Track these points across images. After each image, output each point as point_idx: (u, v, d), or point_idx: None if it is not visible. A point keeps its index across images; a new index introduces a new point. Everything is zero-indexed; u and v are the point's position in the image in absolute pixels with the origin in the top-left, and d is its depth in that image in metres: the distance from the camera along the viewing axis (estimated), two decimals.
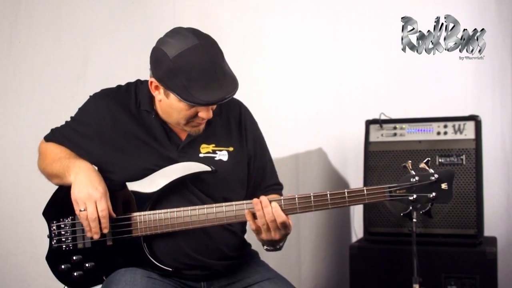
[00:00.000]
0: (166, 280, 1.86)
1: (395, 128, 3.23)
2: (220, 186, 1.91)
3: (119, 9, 2.75)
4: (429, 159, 1.77)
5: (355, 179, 3.76)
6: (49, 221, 1.93)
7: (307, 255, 3.59)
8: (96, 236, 1.82)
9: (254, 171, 2.03)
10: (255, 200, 1.77)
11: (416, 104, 3.76)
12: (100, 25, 2.66)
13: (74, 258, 1.89)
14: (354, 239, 3.81)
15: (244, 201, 1.82)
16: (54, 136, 2.02)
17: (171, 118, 1.88)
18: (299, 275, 3.53)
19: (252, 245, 2.11)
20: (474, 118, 3.11)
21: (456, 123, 3.12)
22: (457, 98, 3.80)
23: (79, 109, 2.01)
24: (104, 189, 1.83)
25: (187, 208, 1.83)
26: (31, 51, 2.46)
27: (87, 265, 1.88)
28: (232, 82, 1.79)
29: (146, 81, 1.95)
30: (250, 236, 2.08)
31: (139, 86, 1.99)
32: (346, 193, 1.76)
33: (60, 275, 1.90)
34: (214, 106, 1.87)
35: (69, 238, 1.90)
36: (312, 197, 1.77)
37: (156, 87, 1.84)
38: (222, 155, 1.93)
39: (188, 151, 1.91)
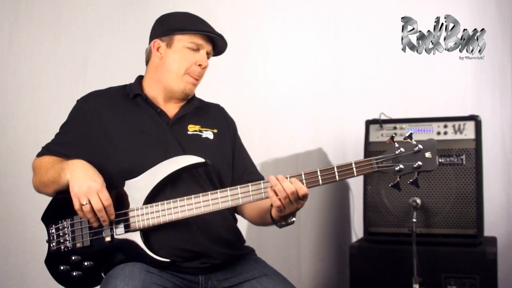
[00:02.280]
0: (164, 274, 1.87)
1: (395, 128, 3.23)
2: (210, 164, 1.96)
3: (119, 9, 2.75)
4: (412, 132, 1.83)
5: (355, 179, 3.75)
6: (47, 225, 1.96)
7: (307, 255, 3.59)
8: (106, 223, 1.87)
9: (236, 157, 2.12)
10: (270, 176, 1.80)
11: (416, 104, 3.76)
12: (100, 25, 2.66)
13: (73, 258, 1.90)
14: (354, 239, 3.81)
15: (238, 186, 1.85)
16: (46, 149, 2.05)
17: (171, 75, 2.02)
18: (299, 275, 3.53)
19: (250, 244, 2.12)
20: (474, 118, 3.11)
21: (456, 123, 3.12)
22: (457, 98, 3.80)
23: (69, 114, 2.06)
24: (102, 179, 1.86)
25: (182, 198, 1.85)
26: (31, 51, 2.46)
27: (86, 264, 1.89)
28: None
29: (131, 83, 2.10)
30: (250, 236, 2.08)
31: (124, 85, 2.11)
32: (335, 168, 1.80)
33: (59, 277, 1.92)
34: (208, 58, 2.06)
35: (68, 239, 1.91)
36: (303, 174, 1.81)
37: (158, 48, 2.04)
38: (208, 134, 2.06)
39: (177, 129, 2.01)
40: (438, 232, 3.06)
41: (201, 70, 2.04)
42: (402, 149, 1.80)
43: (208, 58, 2.07)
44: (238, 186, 1.85)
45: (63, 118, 2.05)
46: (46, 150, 2.05)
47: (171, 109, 2.06)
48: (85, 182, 1.83)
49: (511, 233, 3.74)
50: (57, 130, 2.06)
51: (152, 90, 2.06)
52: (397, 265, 3.07)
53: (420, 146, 1.79)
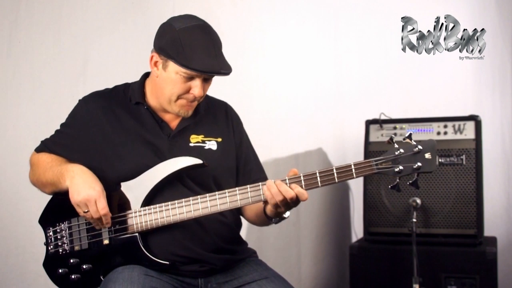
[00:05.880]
0: (163, 278, 1.86)
1: (395, 128, 3.23)
2: (210, 174, 1.95)
3: (119, 9, 2.75)
4: (411, 133, 1.82)
5: (355, 179, 3.76)
6: (45, 228, 1.95)
7: (307, 255, 3.59)
8: (109, 225, 1.87)
9: (242, 162, 2.08)
10: (268, 181, 1.78)
11: (416, 104, 3.76)
12: (100, 25, 2.66)
13: (71, 261, 1.90)
14: (354, 239, 3.81)
15: (236, 187, 1.84)
16: (45, 145, 2.03)
17: (164, 96, 1.92)
18: (299, 275, 3.53)
19: (250, 244, 2.11)
20: (474, 118, 3.11)
21: (456, 123, 3.12)
22: (457, 98, 3.80)
23: (69, 114, 2.04)
24: (101, 187, 1.85)
25: (181, 200, 1.84)
26: (31, 51, 2.46)
27: (84, 267, 1.89)
28: (227, 64, 1.89)
29: (135, 82, 2.04)
30: (250, 237, 2.08)
31: (127, 86, 2.06)
32: (334, 169, 1.79)
33: (58, 280, 1.92)
34: (207, 86, 1.94)
35: (66, 242, 1.91)
36: (302, 176, 1.79)
37: (155, 63, 1.91)
38: (211, 145, 2.00)
39: (178, 140, 1.96)
40: (438, 232, 3.06)
41: (196, 97, 1.91)
42: (401, 150, 1.78)
43: (208, 82, 1.93)
44: (237, 189, 1.83)
45: (63, 118, 2.05)
46: (45, 147, 2.03)
47: (174, 119, 1.99)
48: (83, 190, 1.82)
49: (511, 233, 3.74)
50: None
51: (153, 100, 1.98)
52: (397, 265, 3.07)
53: (420, 147, 1.77)
